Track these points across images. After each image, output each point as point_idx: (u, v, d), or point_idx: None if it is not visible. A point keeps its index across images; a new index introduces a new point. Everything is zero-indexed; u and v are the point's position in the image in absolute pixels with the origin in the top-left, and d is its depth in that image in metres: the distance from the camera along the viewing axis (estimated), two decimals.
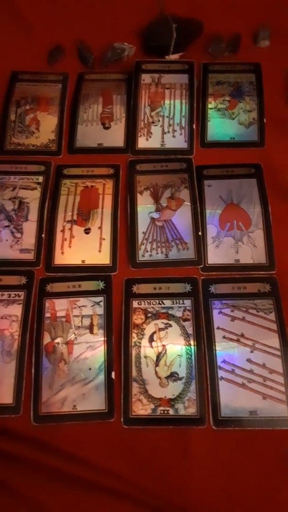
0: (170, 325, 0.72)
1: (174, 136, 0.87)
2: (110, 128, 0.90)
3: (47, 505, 0.62)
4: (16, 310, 0.73)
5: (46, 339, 0.71)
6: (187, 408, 0.66)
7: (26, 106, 0.92)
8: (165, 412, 0.66)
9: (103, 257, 0.78)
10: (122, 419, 0.66)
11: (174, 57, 0.94)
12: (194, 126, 0.87)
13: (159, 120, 0.88)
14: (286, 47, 0.93)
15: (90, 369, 0.69)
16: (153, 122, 0.88)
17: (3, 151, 0.88)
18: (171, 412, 0.66)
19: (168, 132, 0.87)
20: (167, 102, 0.90)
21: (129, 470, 0.63)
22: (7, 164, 0.86)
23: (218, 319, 0.71)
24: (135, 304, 0.73)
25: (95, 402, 0.67)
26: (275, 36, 0.94)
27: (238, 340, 0.70)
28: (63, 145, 0.89)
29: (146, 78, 0.92)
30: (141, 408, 0.67)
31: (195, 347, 0.70)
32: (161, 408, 0.67)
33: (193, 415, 0.66)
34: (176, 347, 0.70)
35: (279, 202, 0.79)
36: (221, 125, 0.88)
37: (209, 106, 0.89)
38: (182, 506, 0.62)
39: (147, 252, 0.78)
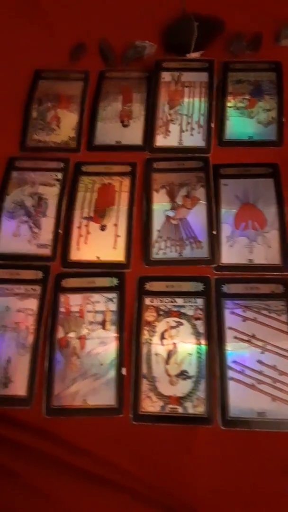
0: (182, 324, 0.72)
1: (192, 135, 0.87)
2: (129, 126, 0.90)
3: (54, 496, 0.64)
4: (32, 304, 0.75)
5: (60, 333, 0.72)
6: (196, 407, 0.67)
7: (48, 104, 0.94)
8: (174, 410, 0.67)
9: (117, 254, 0.78)
10: (131, 415, 0.67)
11: (195, 55, 0.94)
12: (212, 124, 0.87)
13: (177, 118, 0.89)
14: None
15: (101, 364, 0.70)
16: (171, 120, 0.89)
17: (24, 147, 0.90)
18: (180, 410, 0.67)
19: (186, 130, 0.87)
20: (186, 100, 0.90)
21: (136, 466, 0.64)
22: (28, 161, 0.88)
23: (230, 319, 0.71)
24: (147, 301, 0.74)
25: (105, 397, 0.68)
26: None
27: (249, 341, 0.70)
28: (82, 142, 0.90)
29: (166, 76, 0.92)
30: (150, 405, 0.68)
31: (206, 346, 0.70)
32: (170, 406, 0.67)
33: (201, 414, 0.66)
34: (186, 345, 0.70)
35: None
36: (240, 124, 0.87)
37: (228, 104, 0.89)
38: (186, 503, 0.62)
39: (161, 250, 0.78)
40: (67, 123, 0.92)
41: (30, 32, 1.00)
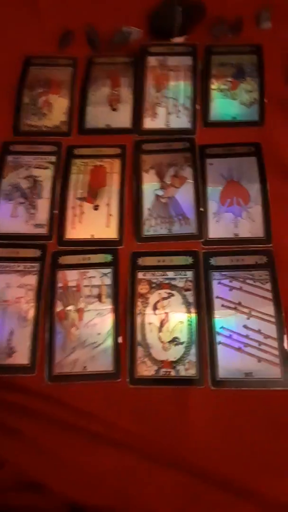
0: (173, 295, 0.77)
1: (178, 117, 0.91)
2: (118, 109, 0.94)
3: (58, 452, 0.69)
4: (31, 280, 0.79)
5: (59, 306, 0.77)
6: (187, 370, 0.72)
7: (39, 89, 0.96)
8: (167, 373, 0.72)
9: (110, 232, 0.83)
10: (128, 379, 0.72)
11: (179, 39, 0.97)
12: (197, 106, 0.91)
13: (164, 101, 0.92)
14: (287, 29, 0.95)
15: (99, 334, 0.75)
16: (158, 103, 0.92)
17: (18, 132, 0.93)
18: (173, 373, 0.72)
19: (173, 112, 0.91)
20: (172, 83, 0.93)
21: (134, 425, 0.69)
22: (22, 145, 0.91)
23: (217, 289, 0.77)
24: (140, 275, 0.79)
25: (104, 363, 0.74)
26: (276, 18, 0.96)
27: (235, 308, 0.75)
28: (73, 126, 0.93)
29: (151, 60, 0.96)
30: (145, 369, 0.73)
31: (196, 314, 0.75)
32: (164, 369, 0.73)
33: (193, 376, 0.72)
34: (178, 314, 0.76)
35: (277, 179, 0.83)
36: (224, 106, 0.91)
37: (212, 87, 0.92)
38: (182, 456, 0.68)
39: (151, 227, 0.82)
40: (58, 108, 0.95)
41: (20, 20, 1.02)
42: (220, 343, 0.73)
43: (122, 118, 0.93)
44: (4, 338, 0.76)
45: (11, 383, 0.73)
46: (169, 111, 0.91)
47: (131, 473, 0.68)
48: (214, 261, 0.79)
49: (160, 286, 0.78)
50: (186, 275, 0.78)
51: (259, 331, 0.73)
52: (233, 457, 0.68)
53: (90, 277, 0.79)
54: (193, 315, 0.75)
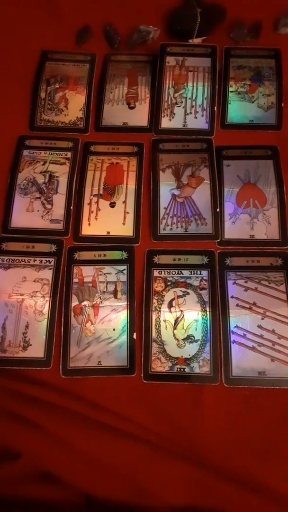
0: (188, 293, 0.78)
1: (196, 117, 0.92)
2: (135, 108, 0.94)
3: (73, 444, 0.70)
4: (47, 274, 0.79)
5: (74, 301, 0.78)
6: (202, 367, 0.73)
7: (56, 85, 0.97)
8: (182, 369, 0.73)
9: (126, 229, 0.83)
10: (142, 375, 0.73)
11: (197, 41, 0.97)
12: (215, 108, 0.92)
13: (182, 102, 0.93)
14: None
15: (114, 329, 0.76)
16: (176, 103, 0.93)
17: (34, 127, 0.93)
18: (187, 370, 0.73)
19: (190, 113, 0.92)
20: (190, 84, 0.94)
21: (147, 419, 0.70)
22: (38, 140, 0.91)
23: (233, 288, 0.78)
24: (155, 273, 0.80)
25: (118, 359, 0.74)
26: None
27: (250, 308, 0.76)
28: (90, 123, 0.93)
29: (170, 60, 0.96)
30: (160, 365, 0.74)
31: (211, 313, 0.76)
32: (178, 366, 0.74)
33: (207, 373, 0.73)
34: (193, 312, 0.77)
35: None
36: (241, 108, 0.92)
37: (230, 89, 0.93)
38: (194, 450, 0.69)
39: (167, 226, 0.83)
40: (75, 104, 0.95)
41: (38, 15, 1.02)
42: (234, 341, 0.74)
43: (139, 116, 0.93)
44: (19, 332, 0.76)
45: (27, 376, 0.73)
46: (187, 112, 0.92)
47: (144, 466, 0.69)
48: (229, 261, 0.80)
49: (175, 284, 0.78)
50: (201, 274, 0.79)
51: (273, 331, 0.74)
52: (244, 452, 0.69)
53: (106, 273, 0.80)
54: (208, 314, 0.76)
